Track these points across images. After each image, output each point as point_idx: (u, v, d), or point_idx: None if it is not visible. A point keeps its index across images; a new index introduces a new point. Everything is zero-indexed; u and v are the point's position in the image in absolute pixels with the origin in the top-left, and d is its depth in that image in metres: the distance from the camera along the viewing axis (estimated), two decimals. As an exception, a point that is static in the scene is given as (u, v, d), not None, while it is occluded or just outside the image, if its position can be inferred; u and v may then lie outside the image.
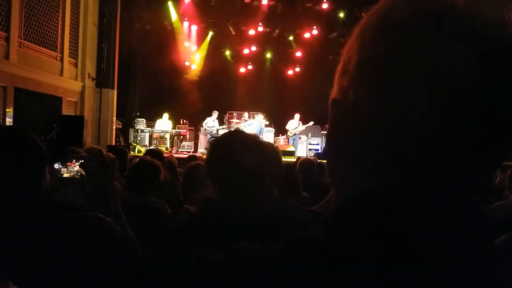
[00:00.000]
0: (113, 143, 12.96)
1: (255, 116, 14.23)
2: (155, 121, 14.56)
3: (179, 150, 13.70)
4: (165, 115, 14.35)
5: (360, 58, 0.48)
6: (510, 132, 0.45)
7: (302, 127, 14.01)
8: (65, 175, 1.54)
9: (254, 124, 13.71)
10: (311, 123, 13.74)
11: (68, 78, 12.38)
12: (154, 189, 2.86)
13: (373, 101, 0.46)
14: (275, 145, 2.71)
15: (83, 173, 1.48)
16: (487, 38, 0.44)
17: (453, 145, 0.44)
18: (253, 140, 1.48)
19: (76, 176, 1.53)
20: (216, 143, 1.49)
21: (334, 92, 0.52)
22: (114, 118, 13.83)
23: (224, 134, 1.59)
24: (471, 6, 0.45)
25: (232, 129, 1.98)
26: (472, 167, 0.45)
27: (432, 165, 0.44)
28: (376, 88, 0.46)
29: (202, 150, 13.51)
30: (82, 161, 1.48)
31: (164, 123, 14.28)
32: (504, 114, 0.44)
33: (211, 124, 14.17)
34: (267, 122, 14.62)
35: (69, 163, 1.54)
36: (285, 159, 9.79)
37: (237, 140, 1.47)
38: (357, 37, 0.50)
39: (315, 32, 16.60)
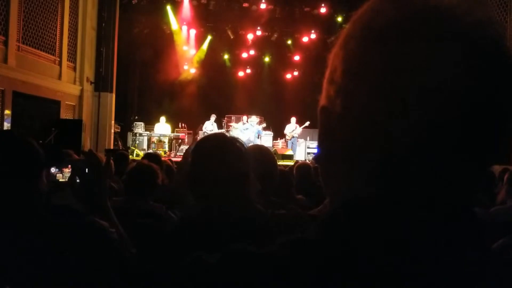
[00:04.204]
0: (111, 147, 12.95)
1: (248, 120, 14.25)
2: (153, 125, 14.57)
3: (178, 154, 13.70)
4: (162, 119, 14.37)
5: (345, 67, 0.49)
6: (497, 133, 0.45)
7: (299, 129, 14.05)
8: (60, 180, 1.54)
9: (250, 129, 13.73)
10: (307, 123, 13.78)
11: (67, 82, 12.38)
12: (152, 193, 2.86)
13: (361, 110, 0.46)
14: (262, 145, 2.71)
15: (74, 175, 1.48)
16: (472, 38, 0.44)
17: (443, 148, 0.44)
18: (231, 142, 1.48)
19: (62, 180, 1.53)
20: (195, 149, 1.50)
21: (322, 99, 0.53)
22: (113, 122, 13.82)
23: (202, 140, 1.58)
24: (456, 6, 0.45)
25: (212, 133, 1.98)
26: (464, 171, 0.46)
27: (423, 169, 0.45)
28: (363, 97, 0.46)
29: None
30: (78, 165, 1.48)
31: (161, 127, 14.29)
32: (491, 114, 0.44)
33: (210, 127, 14.19)
34: (264, 125, 14.64)
35: (64, 168, 1.54)
36: (283, 162, 9.82)
37: (214, 144, 1.48)
38: (342, 45, 0.51)
39: (313, 36, 16.67)
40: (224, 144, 1.47)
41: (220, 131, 14.03)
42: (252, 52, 17.82)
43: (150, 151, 12.39)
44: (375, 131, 0.45)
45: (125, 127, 14.86)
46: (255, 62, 18.63)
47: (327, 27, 15.95)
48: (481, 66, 0.43)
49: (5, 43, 9.73)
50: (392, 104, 0.44)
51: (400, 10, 0.46)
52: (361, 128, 0.46)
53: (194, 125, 15.34)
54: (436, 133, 0.43)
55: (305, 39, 16.88)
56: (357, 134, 0.47)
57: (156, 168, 2.90)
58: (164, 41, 16.54)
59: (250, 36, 16.75)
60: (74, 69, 12.93)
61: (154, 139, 14.01)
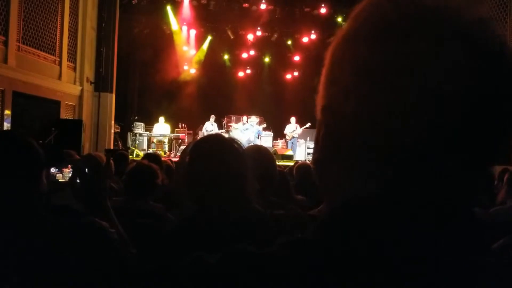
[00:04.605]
0: (111, 147, 12.95)
1: (248, 120, 14.24)
2: (153, 125, 14.58)
3: (178, 154, 13.69)
4: (161, 119, 14.38)
5: (355, 68, 0.48)
6: (497, 132, 0.45)
7: (299, 130, 14.05)
8: (60, 180, 1.55)
9: (250, 129, 13.73)
10: (308, 124, 13.78)
11: (67, 82, 12.37)
12: (152, 193, 2.85)
13: (361, 109, 0.46)
14: (261, 145, 2.70)
15: (75, 176, 1.49)
16: (472, 37, 0.44)
17: (443, 148, 0.44)
18: (229, 143, 1.48)
19: (62, 180, 1.53)
20: (193, 150, 1.49)
21: (322, 99, 0.52)
22: (113, 122, 13.81)
23: (200, 140, 1.58)
24: (455, 5, 0.45)
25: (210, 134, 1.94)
26: (464, 171, 0.46)
27: (423, 170, 0.45)
28: (363, 97, 0.46)
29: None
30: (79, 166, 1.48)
31: (161, 127, 14.29)
32: (491, 114, 0.44)
33: (210, 128, 14.21)
34: (265, 125, 14.63)
35: (64, 168, 1.54)
36: (283, 163, 9.81)
37: (212, 145, 1.48)
38: (347, 45, 0.50)
39: (313, 36, 16.67)
40: (222, 145, 1.47)
41: (220, 131, 14.04)
42: (252, 52, 17.83)
43: (150, 151, 12.40)
44: (376, 131, 0.45)
45: (125, 127, 14.86)
46: (255, 63, 18.63)
47: (327, 27, 15.93)
48: (481, 66, 0.44)
49: (5, 43, 9.73)
50: (393, 104, 0.44)
51: (400, 10, 0.46)
52: (362, 127, 0.46)
53: (194, 125, 15.35)
54: (436, 133, 0.43)
55: (305, 39, 16.88)
56: (358, 134, 0.47)
57: (155, 168, 2.90)
58: (164, 41, 16.54)
59: (250, 37, 16.75)
60: (74, 69, 12.92)
61: (154, 139, 14.01)
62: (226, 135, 1.62)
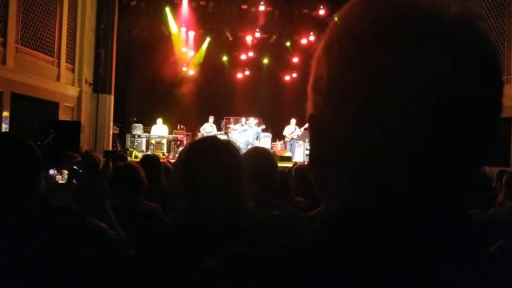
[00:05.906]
0: (110, 149, 12.93)
1: (247, 121, 14.22)
2: (152, 126, 14.57)
3: (176, 155, 13.67)
4: (159, 120, 14.39)
5: (330, 77, 0.48)
6: (485, 132, 0.45)
7: (299, 131, 14.04)
8: (60, 181, 1.55)
9: (249, 130, 13.72)
10: (307, 125, 13.75)
11: (65, 83, 12.37)
12: (142, 191, 2.84)
13: (348, 119, 0.46)
14: (262, 147, 2.70)
15: (71, 177, 1.48)
16: (454, 35, 0.43)
17: (432, 150, 0.44)
18: (224, 145, 1.49)
19: (61, 181, 1.53)
20: (189, 152, 1.49)
21: (309, 107, 0.52)
22: (111, 123, 13.81)
23: (195, 142, 1.58)
24: (435, 4, 0.44)
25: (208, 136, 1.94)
26: (454, 172, 0.45)
27: (412, 172, 0.44)
28: (350, 106, 0.46)
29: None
30: (74, 167, 1.48)
31: (159, 128, 14.29)
32: (477, 113, 0.44)
33: (209, 129, 14.20)
34: (263, 126, 14.62)
35: (64, 170, 1.54)
36: (281, 164, 9.82)
37: (207, 147, 1.48)
38: (325, 52, 0.50)
39: (312, 38, 16.68)
40: (218, 147, 1.47)
41: (218, 132, 14.04)
42: (251, 54, 17.83)
43: (149, 152, 12.39)
44: (372, 133, 0.45)
45: (124, 129, 14.84)
46: (254, 64, 18.63)
47: (325, 29, 15.92)
48: (463, 64, 0.43)
49: (4, 45, 9.72)
50: (387, 105, 0.44)
51: (380, 13, 0.46)
52: (348, 136, 0.46)
53: (193, 127, 15.34)
54: (428, 134, 0.43)
55: (303, 41, 16.89)
56: (346, 143, 0.47)
57: (135, 165, 2.89)
58: (163, 43, 16.54)
59: (249, 38, 16.77)
60: (73, 70, 12.91)
61: (153, 141, 14.00)
62: (225, 137, 1.62)
